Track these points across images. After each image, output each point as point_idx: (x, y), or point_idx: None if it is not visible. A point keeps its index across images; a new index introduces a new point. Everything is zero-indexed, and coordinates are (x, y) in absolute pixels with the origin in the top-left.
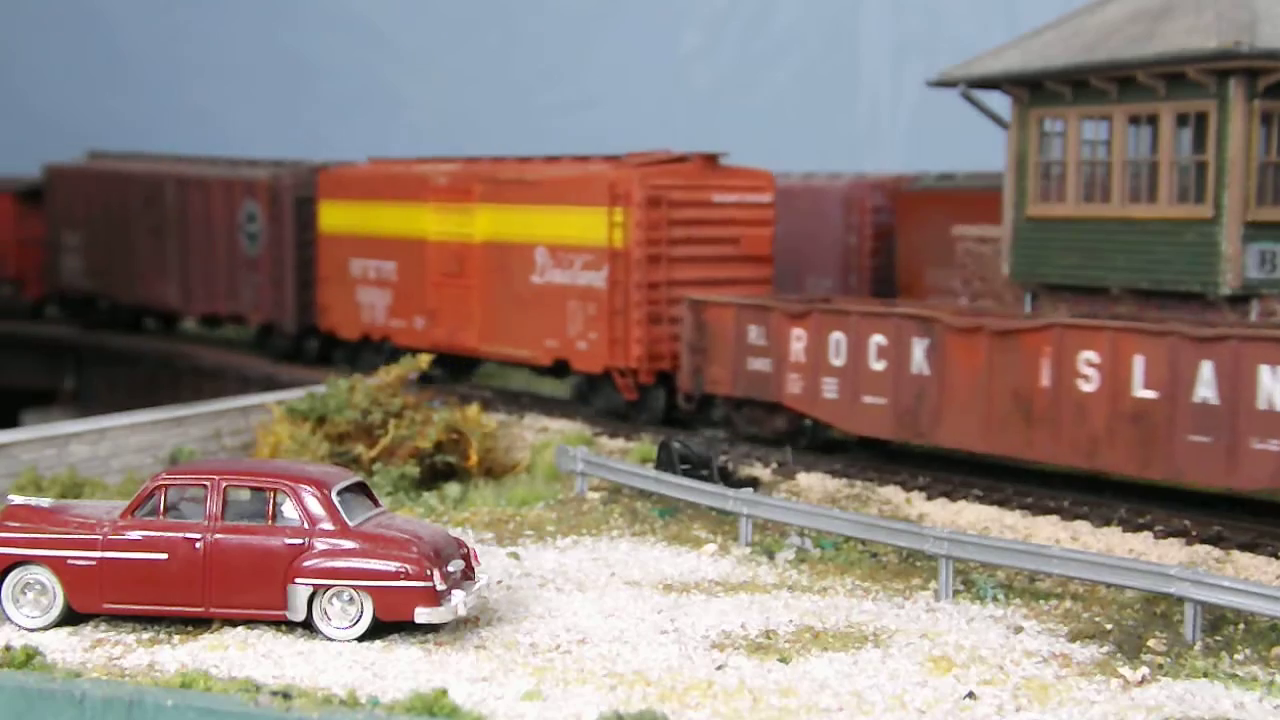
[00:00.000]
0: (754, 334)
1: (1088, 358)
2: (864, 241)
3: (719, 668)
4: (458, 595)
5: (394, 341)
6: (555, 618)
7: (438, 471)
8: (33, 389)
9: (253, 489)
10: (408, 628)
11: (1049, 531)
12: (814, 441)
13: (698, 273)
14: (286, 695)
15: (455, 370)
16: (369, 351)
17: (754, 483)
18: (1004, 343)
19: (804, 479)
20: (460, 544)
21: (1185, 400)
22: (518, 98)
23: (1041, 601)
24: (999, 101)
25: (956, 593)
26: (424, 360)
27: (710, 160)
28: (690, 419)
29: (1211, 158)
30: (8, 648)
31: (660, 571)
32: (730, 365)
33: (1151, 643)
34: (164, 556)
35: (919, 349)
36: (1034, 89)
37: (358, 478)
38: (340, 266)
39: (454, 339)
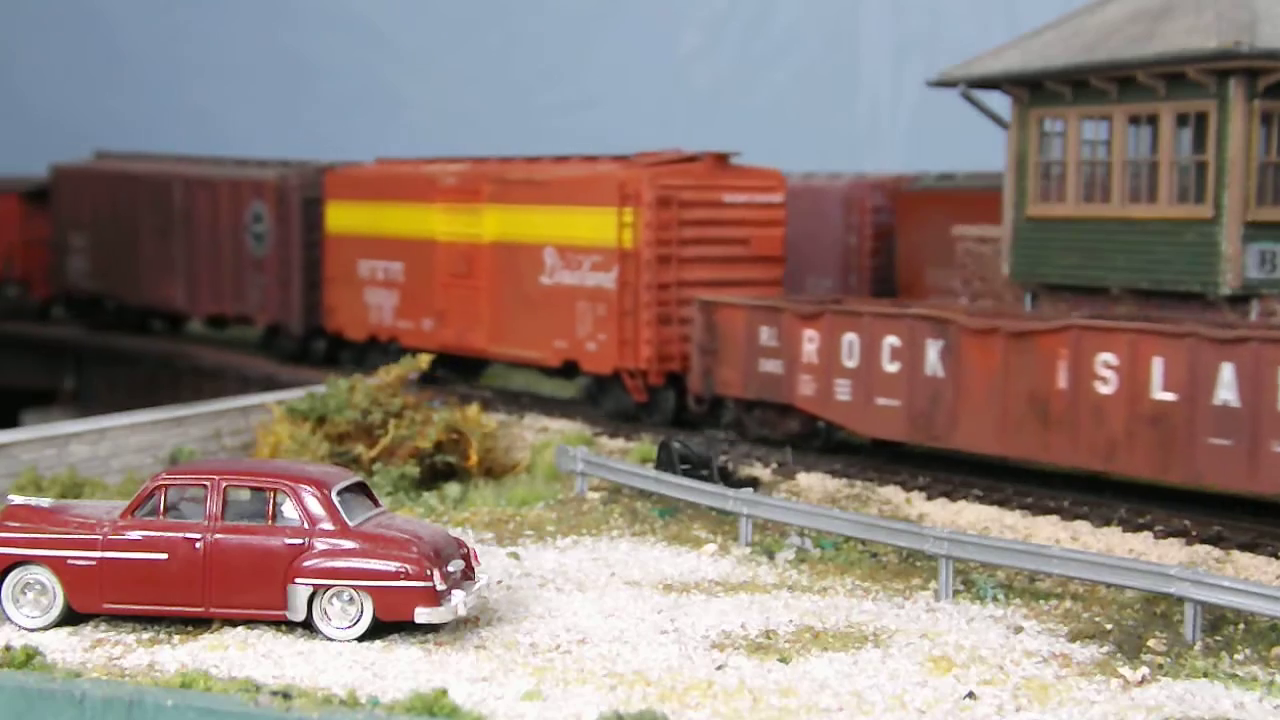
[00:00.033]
0: (765, 335)
1: (1105, 359)
2: (864, 241)
3: (719, 668)
4: (458, 595)
5: (401, 343)
6: (555, 618)
7: (438, 471)
8: (33, 389)
9: (253, 489)
10: (408, 628)
11: (1049, 531)
12: (827, 443)
13: (708, 273)
14: (286, 695)
15: (463, 371)
16: (376, 352)
17: (754, 483)
18: (1020, 344)
19: (804, 479)
20: (460, 544)
21: (1205, 403)
22: (518, 98)
23: (1041, 601)
24: (999, 101)
25: (956, 593)
26: (424, 360)
27: (721, 160)
28: (701, 421)
29: (1211, 158)
30: (8, 648)
31: (660, 571)
32: (741, 367)
33: (1151, 643)
34: (164, 556)
35: (933, 350)
36: (1034, 89)
37: (358, 478)
38: (347, 267)
39: (462, 340)
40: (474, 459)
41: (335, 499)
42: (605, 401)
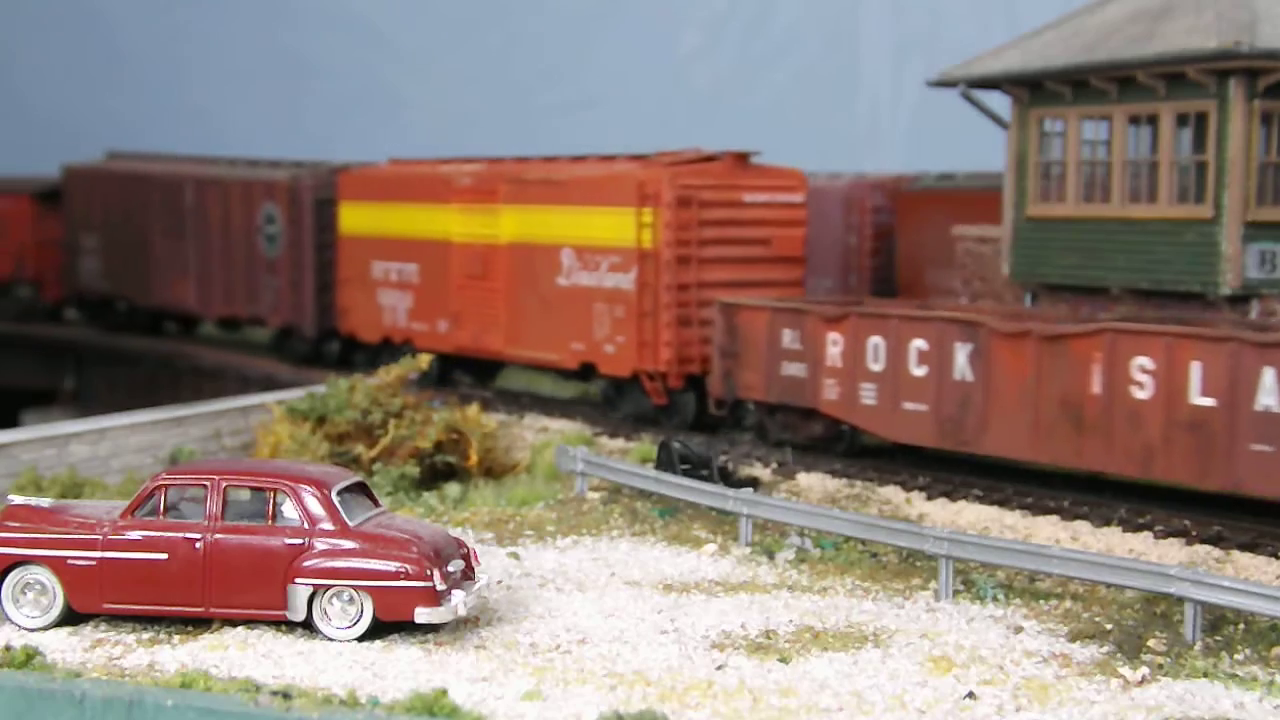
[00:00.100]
0: (788, 338)
1: (1141, 364)
2: (864, 241)
3: (719, 668)
4: (458, 595)
5: (416, 344)
6: (555, 618)
7: (438, 471)
8: (33, 389)
9: (253, 489)
10: (408, 628)
11: (1049, 531)
12: (850, 448)
13: (728, 274)
14: (286, 695)
15: (478, 374)
16: (390, 355)
17: (754, 483)
18: (1053, 348)
19: (804, 479)
20: (460, 544)
21: (1246, 408)
22: (518, 98)
23: (1041, 601)
24: (999, 101)
25: (956, 593)
26: (424, 360)
27: (741, 159)
28: (721, 424)
29: (1211, 158)
30: (8, 648)
31: (660, 571)
32: (763, 370)
33: (1151, 643)
34: (164, 556)
35: (962, 354)
36: (1034, 89)
37: (358, 478)
38: (361, 268)
39: (478, 342)
40: (474, 459)
41: (335, 499)
42: (623, 404)
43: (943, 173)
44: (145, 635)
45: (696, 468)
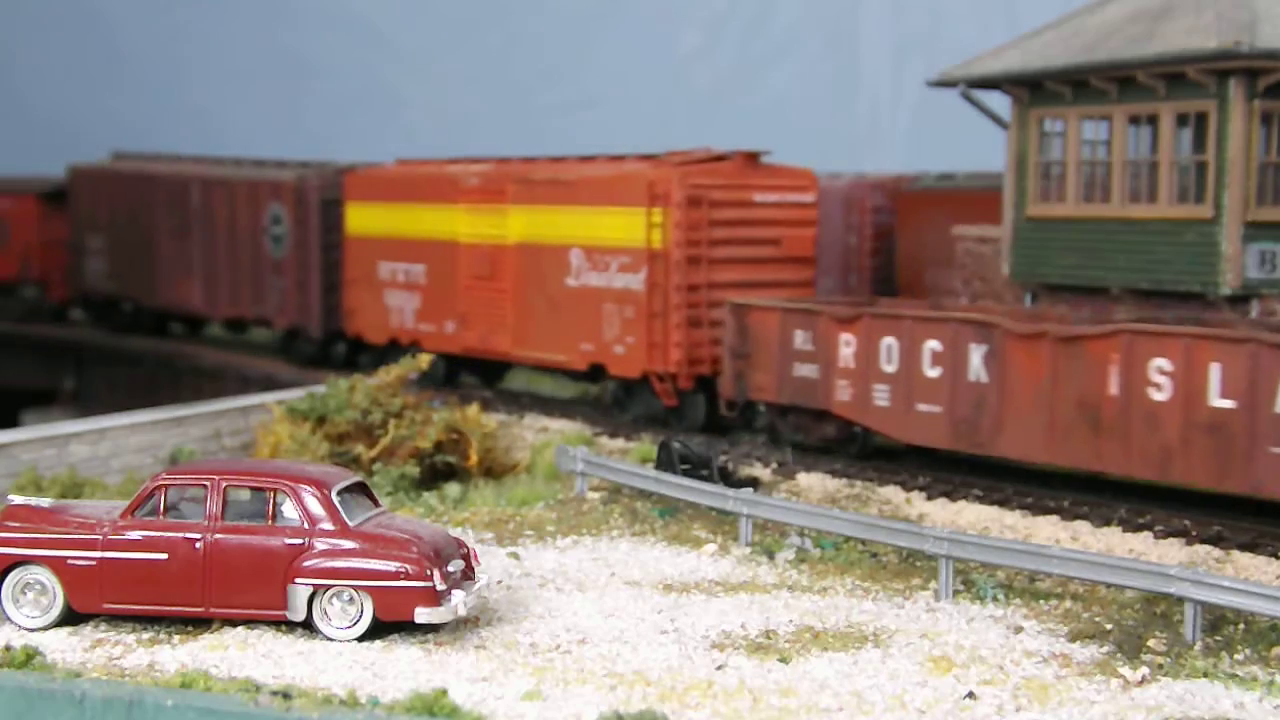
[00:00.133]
0: (800, 339)
1: (1159, 365)
2: (864, 241)
3: (719, 668)
4: (458, 595)
5: (423, 345)
6: (555, 618)
7: (438, 471)
8: (33, 389)
9: (253, 489)
10: (408, 628)
11: (1049, 531)
12: (863, 450)
13: (738, 275)
14: (286, 695)
15: (486, 375)
16: (396, 356)
17: (754, 483)
18: (1069, 349)
19: (804, 479)
20: (460, 544)
21: (1266, 410)
22: (518, 98)
23: (1041, 601)
24: (999, 101)
25: (956, 593)
26: (424, 360)
27: (751, 158)
28: (732, 426)
29: (1211, 158)
30: (8, 648)
31: (660, 571)
32: (775, 371)
33: (1151, 643)
34: (164, 556)
35: (977, 355)
36: (1034, 89)
37: (358, 478)
38: (368, 269)
39: (486, 343)
40: (474, 459)
41: (335, 499)
42: (633, 406)
43: (943, 173)
44: (145, 635)
45: (696, 468)
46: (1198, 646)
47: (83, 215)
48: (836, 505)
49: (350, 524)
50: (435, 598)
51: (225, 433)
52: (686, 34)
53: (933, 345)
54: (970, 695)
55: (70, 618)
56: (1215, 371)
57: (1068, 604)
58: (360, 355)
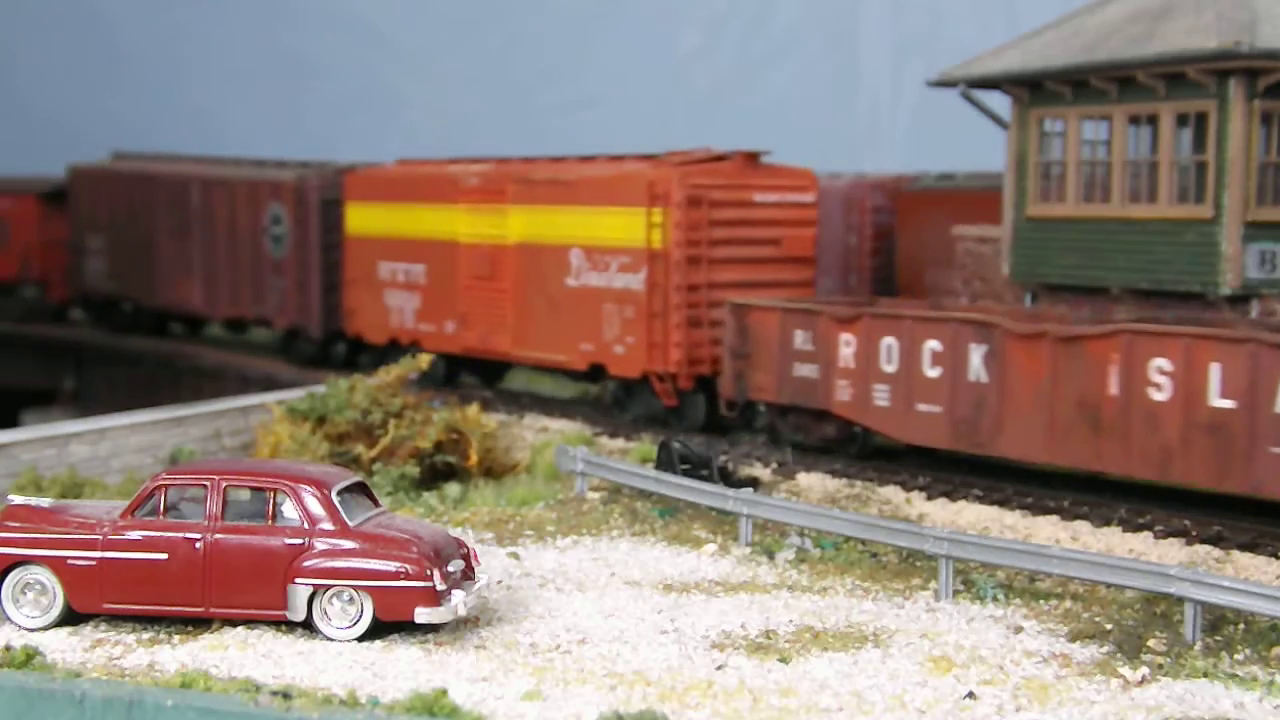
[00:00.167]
0: (800, 339)
1: (1159, 365)
2: (864, 241)
3: (719, 668)
4: (458, 595)
5: (423, 345)
6: (555, 618)
7: (438, 471)
8: (33, 389)
9: (253, 489)
10: (408, 628)
11: (1049, 531)
12: (863, 450)
13: (738, 275)
14: (286, 695)
15: (486, 375)
16: (397, 356)
17: (754, 483)
18: (1068, 349)
19: (804, 479)
20: (460, 544)
21: (1267, 410)
22: (518, 98)
23: (1041, 601)
24: (999, 101)
25: (956, 593)
26: (424, 360)
27: (751, 158)
28: (733, 426)
29: (1211, 158)
30: (8, 648)
31: (660, 571)
32: (775, 371)
33: (1151, 643)
34: (164, 556)
35: (977, 355)
36: (1034, 89)
37: (358, 478)
38: (368, 269)
39: (486, 343)
40: (474, 459)
41: (335, 499)
42: (633, 406)
43: (943, 173)
44: (145, 635)
45: (696, 468)
46: (1198, 646)
47: (83, 215)
48: (836, 505)
49: (350, 524)
50: (435, 598)
51: (225, 433)
52: (686, 34)
53: (933, 345)
54: (970, 695)
55: (70, 618)
56: (1215, 371)
57: (1068, 604)
58: (360, 355)
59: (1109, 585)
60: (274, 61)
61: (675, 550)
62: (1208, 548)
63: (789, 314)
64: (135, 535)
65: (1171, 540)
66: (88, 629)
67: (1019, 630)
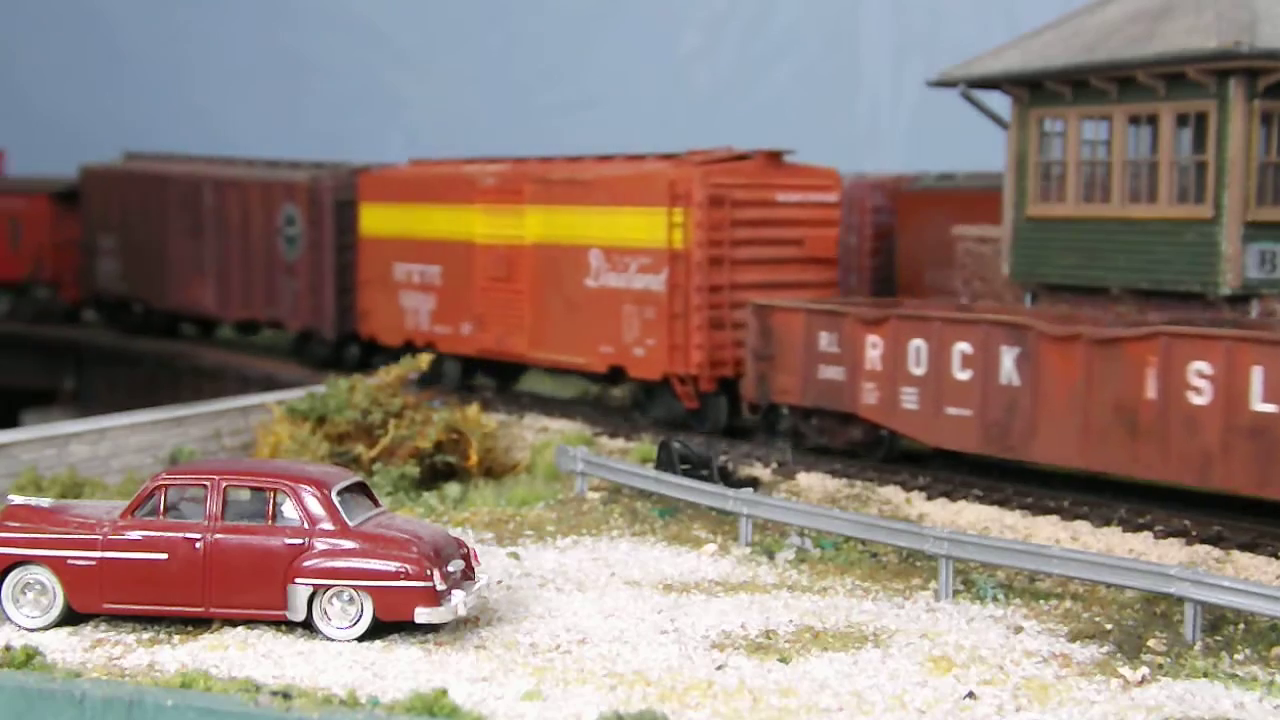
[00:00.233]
0: (825, 340)
1: (1199, 368)
2: (864, 241)
3: (719, 668)
4: (458, 595)
5: (438, 347)
6: (555, 618)
7: (438, 471)
8: (33, 389)
9: (253, 489)
10: (408, 628)
11: (1049, 531)
12: (890, 454)
13: (761, 275)
14: (286, 695)
15: (501, 377)
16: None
17: (754, 483)
18: (1104, 352)
19: (804, 479)
20: (460, 544)
21: None
22: (518, 98)
23: (1041, 601)
24: (999, 101)
25: (956, 593)
26: (424, 360)
27: (774, 158)
28: (754, 429)
29: (1211, 158)
30: (8, 648)
31: (660, 571)
32: (799, 373)
33: (1151, 643)
34: (164, 556)
35: (1009, 358)
36: (1034, 89)
37: (358, 478)
38: (382, 271)
39: (502, 345)
40: (474, 459)
41: (335, 499)
42: (653, 409)
43: (943, 173)
44: (145, 635)
45: (696, 468)
46: (1198, 646)
47: (95, 216)
48: (836, 505)
49: (350, 524)
50: (435, 598)
51: (225, 433)
52: (686, 34)
53: (963, 347)
54: (970, 695)
55: (70, 618)
56: (1258, 375)
57: (1068, 604)
58: (374, 357)
59: (1109, 585)
60: (274, 61)
61: (675, 550)
62: (1208, 548)
63: (814, 315)
64: (135, 535)
65: (1171, 540)
66: (88, 629)
67: (1019, 630)
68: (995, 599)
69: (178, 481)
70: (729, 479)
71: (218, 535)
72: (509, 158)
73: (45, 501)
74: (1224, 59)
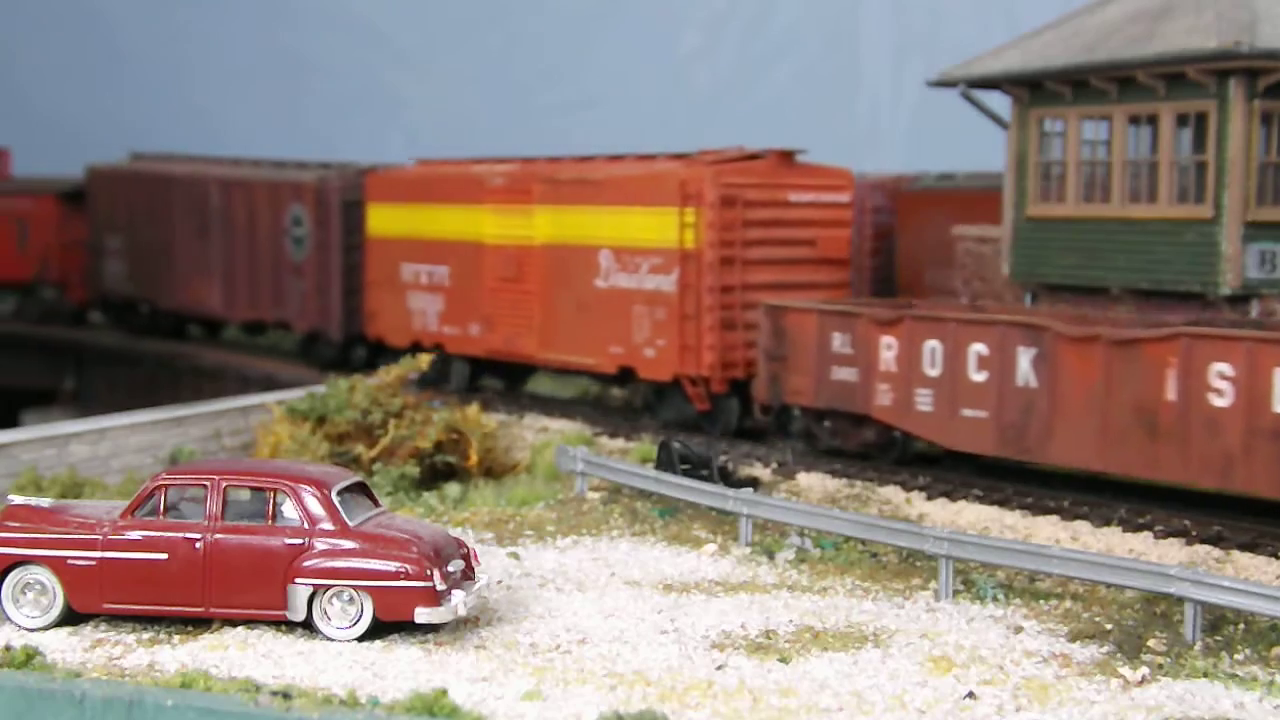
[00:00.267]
0: (838, 341)
1: (1220, 370)
2: (864, 241)
3: (719, 668)
4: (458, 595)
5: (446, 348)
6: (555, 618)
7: (438, 471)
8: (33, 389)
9: (253, 489)
10: (408, 628)
11: (1049, 531)
12: (903, 456)
13: (772, 276)
14: (286, 695)
15: (510, 378)
16: None
17: (754, 483)
18: (1123, 353)
19: (804, 479)
20: (460, 544)
21: None
22: (518, 98)
23: (1041, 601)
24: (999, 101)
25: (956, 593)
26: (424, 360)
27: (786, 157)
28: (766, 430)
29: (1211, 158)
30: (8, 648)
31: (660, 571)
32: (812, 374)
33: (1151, 643)
34: (164, 556)
35: (1025, 359)
36: (1034, 89)
37: (358, 478)
38: (390, 271)
39: (511, 346)
40: (474, 459)
41: (335, 499)
42: (664, 410)
43: (943, 173)
44: (145, 635)
45: (696, 468)
46: (1198, 646)
47: (101, 216)
48: (836, 505)
49: (350, 524)
50: (435, 598)
51: (225, 433)
52: (686, 34)
53: (978, 349)
54: (970, 695)
55: (70, 618)
56: (1279, 377)
57: (1068, 604)
58: (381, 359)
59: (1109, 585)
60: (274, 61)
61: (675, 550)
62: (1208, 548)
63: (827, 316)
64: (135, 535)
65: (1171, 540)
66: (88, 629)
67: (1019, 630)
68: (995, 599)
69: (178, 481)
70: (729, 479)
71: (218, 535)
72: (517, 158)
73: (45, 501)
74: (1224, 59)
